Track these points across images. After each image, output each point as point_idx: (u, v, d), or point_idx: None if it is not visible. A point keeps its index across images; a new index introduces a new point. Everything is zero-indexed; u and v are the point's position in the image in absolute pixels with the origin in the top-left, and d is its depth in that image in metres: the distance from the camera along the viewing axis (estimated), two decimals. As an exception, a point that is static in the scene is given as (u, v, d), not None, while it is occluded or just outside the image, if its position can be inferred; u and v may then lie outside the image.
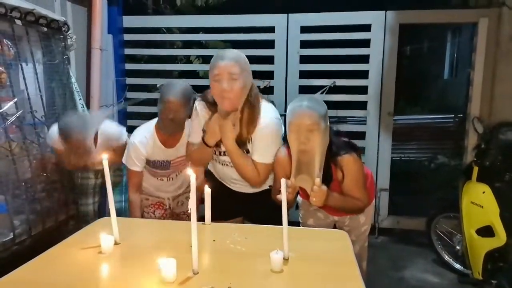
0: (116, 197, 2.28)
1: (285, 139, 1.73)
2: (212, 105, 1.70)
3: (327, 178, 1.64)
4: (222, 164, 1.79)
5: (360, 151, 1.76)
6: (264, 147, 1.62)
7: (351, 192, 1.67)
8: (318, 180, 1.55)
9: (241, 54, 1.62)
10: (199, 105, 1.78)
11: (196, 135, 1.77)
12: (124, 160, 2.13)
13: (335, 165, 1.67)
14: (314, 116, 1.54)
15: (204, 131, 1.72)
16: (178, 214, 2.31)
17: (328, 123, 1.62)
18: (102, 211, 2.59)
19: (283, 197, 1.25)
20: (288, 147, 1.65)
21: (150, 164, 2.10)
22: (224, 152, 1.72)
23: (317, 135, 1.55)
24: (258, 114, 1.62)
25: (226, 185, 1.87)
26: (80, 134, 2.06)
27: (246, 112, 1.62)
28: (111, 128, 2.32)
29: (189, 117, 1.93)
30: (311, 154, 1.57)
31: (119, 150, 2.22)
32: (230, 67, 1.53)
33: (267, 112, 1.64)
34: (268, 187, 1.78)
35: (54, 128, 2.18)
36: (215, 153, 1.77)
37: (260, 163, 1.63)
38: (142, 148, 2.02)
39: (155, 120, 2.09)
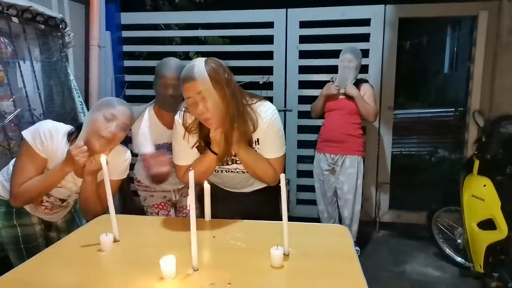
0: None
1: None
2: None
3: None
4: (228, 172, 1.66)
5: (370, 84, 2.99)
6: (273, 143, 1.59)
7: (369, 102, 2.83)
8: (351, 85, 2.83)
9: (207, 64, 1.42)
10: (179, 125, 1.56)
11: (184, 156, 1.60)
12: (138, 147, 2.07)
13: (358, 88, 2.84)
14: (353, 56, 2.82)
15: (200, 145, 1.58)
16: (182, 206, 2.31)
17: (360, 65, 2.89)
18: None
19: (282, 194, 1.25)
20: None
21: (159, 150, 2.05)
22: (230, 160, 1.61)
23: (354, 65, 2.81)
24: (252, 119, 1.52)
25: (224, 188, 1.77)
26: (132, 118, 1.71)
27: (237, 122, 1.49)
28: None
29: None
30: (350, 72, 2.82)
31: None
32: (196, 86, 1.38)
33: (266, 111, 1.56)
34: (265, 185, 1.73)
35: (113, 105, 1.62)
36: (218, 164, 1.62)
37: (274, 159, 1.59)
38: (147, 129, 2.02)
39: (149, 107, 2.08)
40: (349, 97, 2.82)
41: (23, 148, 1.59)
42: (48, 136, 1.57)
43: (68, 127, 1.67)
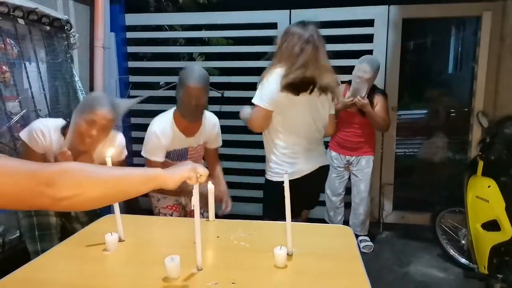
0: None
1: None
2: None
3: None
4: None
5: (386, 94, 3.02)
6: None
7: (381, 114, 2.88)
8: (365, 97, 2.77)
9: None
10: None
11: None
12: (143, 152, 2.04)
13: (372, 97, 2.86)
14: (370, 67, 2.76)
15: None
16: (192, 211, 2.27)
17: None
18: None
19: (286, 193, 1.25)
20: (348, 86, 2.94)
21: (169, 156, 2.06)
22: None
23: (368, 76, 2.75)
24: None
25: None
26: (115, 115, 1.78)
27: None
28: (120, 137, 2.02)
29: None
30: (363, 84, 2.75)
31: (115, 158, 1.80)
32: None
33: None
34: None
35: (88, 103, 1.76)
36: None
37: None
38: (163, 138, 1.98)
39: (171, 110, 2.05)
40: (362, 112, 2.86)
41: (23, 148, 1.80)
42: (41, 135, 1.75)
43: (58, 122, 1.84)
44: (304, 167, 2.01)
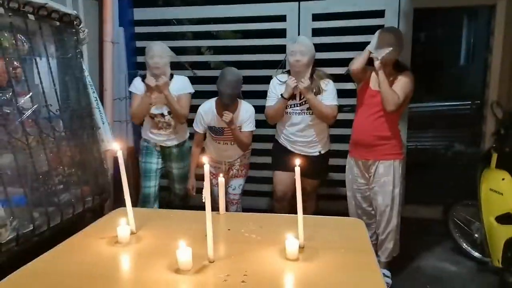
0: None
1: None
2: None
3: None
4: (299, 114, 2.64)
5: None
6: (332, 94, 2.61)
7: (396, 90, 2.38)
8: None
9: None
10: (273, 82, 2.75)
11: (271, 100, 2.69)
12: (194, 124, 2.81)
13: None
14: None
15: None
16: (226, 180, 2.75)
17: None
18: (158, 194, 2.97)
19: (297, 185, 1.24)
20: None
21: (211, 129, 2.78)
22: (296, 104, 2.64)
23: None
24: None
25: (289, 148, 2.72)
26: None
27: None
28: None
29: (238, 96, 2.75)
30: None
31: (183, 102, 2.78)
32: (300, 46, 2.52)
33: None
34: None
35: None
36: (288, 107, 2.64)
37: (332, 105, 2.59)
38: (205, 116, 2.76)
39: (215, 98, 2.77)
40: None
41: None
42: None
43: None
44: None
